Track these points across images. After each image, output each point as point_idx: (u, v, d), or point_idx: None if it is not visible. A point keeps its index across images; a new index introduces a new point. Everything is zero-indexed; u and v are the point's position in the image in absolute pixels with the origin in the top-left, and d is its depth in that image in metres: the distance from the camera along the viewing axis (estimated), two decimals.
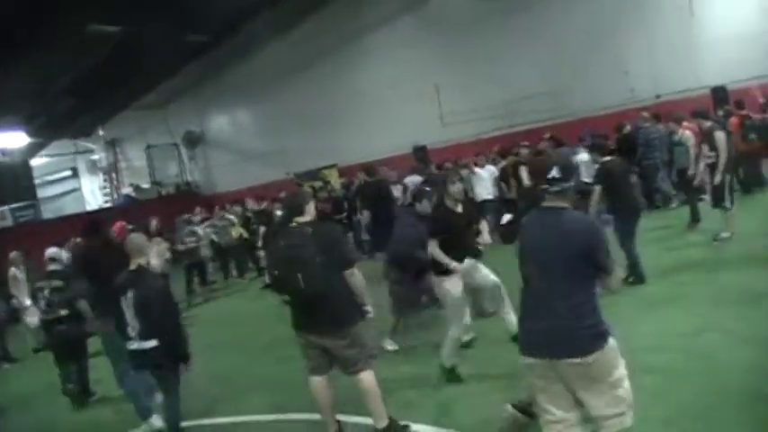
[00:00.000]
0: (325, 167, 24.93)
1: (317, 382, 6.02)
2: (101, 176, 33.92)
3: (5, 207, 27.63)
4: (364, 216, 15.75)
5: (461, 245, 7.02)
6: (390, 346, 8.71)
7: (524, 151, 15.97)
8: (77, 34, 19.32)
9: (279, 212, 14.49)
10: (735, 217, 10.98)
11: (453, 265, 6.83)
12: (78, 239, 15.32)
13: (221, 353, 10.53)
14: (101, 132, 32.31)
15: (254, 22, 22.50)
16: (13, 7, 16.63)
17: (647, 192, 15.65)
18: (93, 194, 34.53)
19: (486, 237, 7.42)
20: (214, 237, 17.90)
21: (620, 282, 4.82)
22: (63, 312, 8.86)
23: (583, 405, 3.97)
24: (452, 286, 6.92)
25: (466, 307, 7.08)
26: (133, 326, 6.17)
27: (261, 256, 16.68)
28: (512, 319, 7.12)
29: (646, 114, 16.04)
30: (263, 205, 18.83)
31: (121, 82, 24.47)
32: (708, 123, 11.78)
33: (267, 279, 13.99)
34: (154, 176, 32.02)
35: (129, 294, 6.16)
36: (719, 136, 11.23)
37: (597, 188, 9.47)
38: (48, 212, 30.90)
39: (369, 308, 6.01)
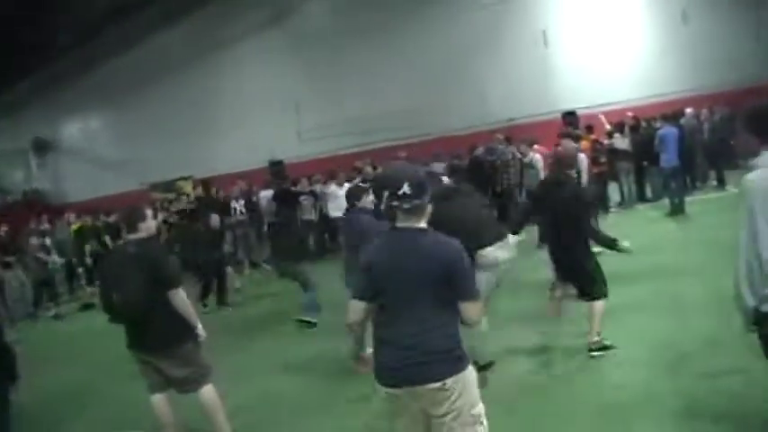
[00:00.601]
0: (181, 179, 24.31)
1: (157, 399, 5.96)
2: None
3: None
4: None
5: None
6: None
7: (368, 169, 16.02)
8: None
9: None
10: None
11: None
12: None
13: (68, 369, 10.27)
14: None
15: (113, 27, 21.84)
16: None
17: (503, 213, 15.90)
18: None
19: None
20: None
21: (482, 312, 4.11)
22: None
23: None
24: None
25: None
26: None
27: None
28: None
29: (500, 136, 16.34)
30: (113, 218, 18.18)
31: None
32: (573, 144, 12.12)
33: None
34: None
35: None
36: (582, 158, 11.58)
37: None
38: None
39: (200, 330, 5.88)
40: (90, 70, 26.40)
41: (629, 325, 7.51)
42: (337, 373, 7.63)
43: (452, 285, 3.63)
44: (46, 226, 17.82)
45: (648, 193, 16.84)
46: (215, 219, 12.96)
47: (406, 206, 3.66)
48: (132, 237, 5.86)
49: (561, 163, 7.69)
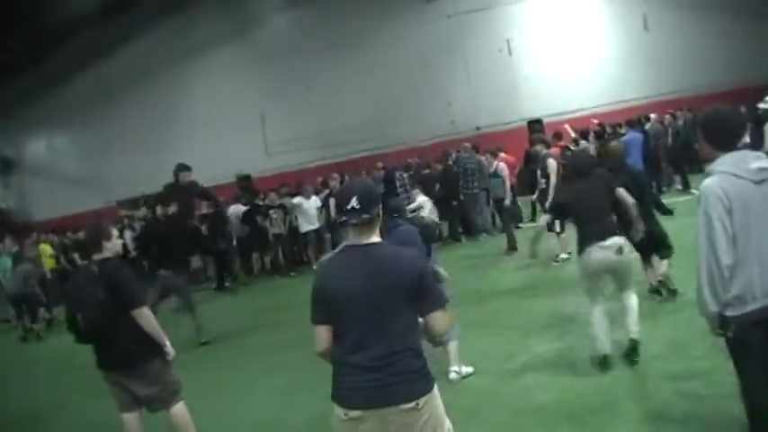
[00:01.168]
0: (148, 195, 24.02)
1: (127, 418, 5.90)
2: None
3: None
4: None
5: None
6: None
7: (333, 183, 16.07)
8: None
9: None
10: (567, 239, 11.32)
11: None
12: None
13: (36, 388, 10.19)
14: None
15: (73, 43, 21.64)
16: None
17: (466, 221, 15.99)
18: None
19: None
20: None
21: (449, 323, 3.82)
22: None
23: None
24: None
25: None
26: None
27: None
28: None
29: (467, 145, 16.41)
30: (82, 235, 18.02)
31: None
32: (544, 150, 12.29)
33: None
34: None
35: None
36: (551, 163, 11.67)
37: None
38: None
39: (168, 348, 5.80)
40: (53, 87, 25.98)
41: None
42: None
43: (418, 298, 3.50)
44: (14, 247, 17.58)
45: None
46: None
47: (353, 221, 3.54)
48: (97, 256, 5.77)
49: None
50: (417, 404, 3.44)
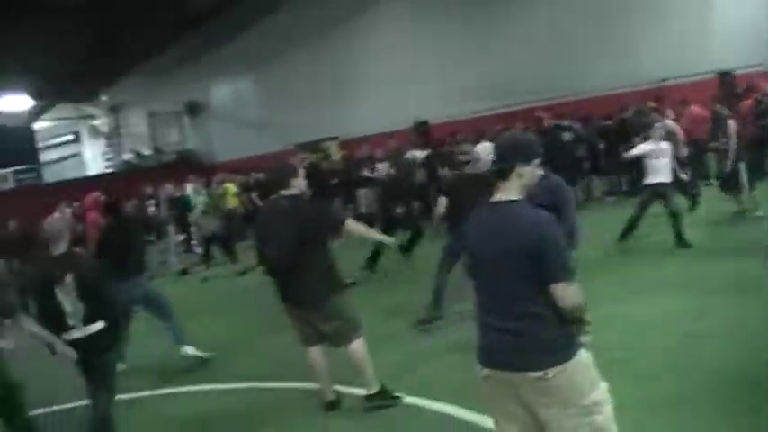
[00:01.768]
0: (326, 140, 24.70)
1: (310, 352, 6.09)
2: (102, 142, 33.80)
3: (8, 170, 27.86)
4: None
5: None
6: None
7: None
8: None
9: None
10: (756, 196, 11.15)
11: None
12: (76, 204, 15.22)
13: (218, 322, 10.51)
14: (103, 98, 32.25)
15: None
16: None
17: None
18: (94, 160, 34.54)
19: None
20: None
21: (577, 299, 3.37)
22: None
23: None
24: None
25: None
26: (74, 312, 5.66)
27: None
28: None
29: (652, 104, 15.76)
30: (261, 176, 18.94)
31: (124, 46, 24.42)
32: (723, 110, 11.85)
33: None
34: (155, 143, 31.88)
35: (68, 279, 5.64)
36: (731, 123, 11.42)
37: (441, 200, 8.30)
38: (49, 176, 31.00)
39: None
40: (237, 35, 27.10)
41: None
42: None
43: (538, 265, 3.29)
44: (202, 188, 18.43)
45: None
46: None
47: (493, 170, 3.46)
48: (284, 192, 5.97)
49: None
50: (546, 374, 3.27)
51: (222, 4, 23.83)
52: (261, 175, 19.73)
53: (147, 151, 31.50)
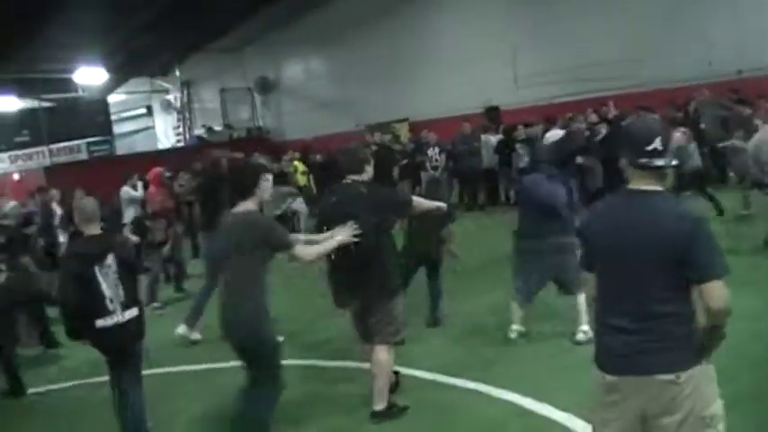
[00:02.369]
0: (396, 121, 24.88)
1: (366, 350, 5.97)
2: (174, 116, 34.39)
3: (82, 141, 28.46)
4: None
5: None
6: None
7: (593, 118, 15.88)
8: None
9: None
10: None
11: None
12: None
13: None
14: (177, 73, 32.68)
15: None
16: None
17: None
18: (165, 134, 35.06)
19: None
20: None
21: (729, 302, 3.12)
22: None
23: None
24: None
25: None
26: (114, 296, 5.47)
27: None
28: None
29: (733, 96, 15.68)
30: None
31: (197, 22, 24.90)
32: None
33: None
34: (226, 119, 32.36)
35: (109, 260, 5.49)
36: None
37: None
38: (121, 148, 31.69)
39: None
40: (310, 13, 27.20)
41: None
42: None
43: (686, 260, 3.09)
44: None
45: None
46: None
47: (657, 163, 3.20)
48: (355, 177, 5.81)
49: None
50: (678, 377, 3.09)
51: None
52: (319, 157, 19.99)
53: (217, 127, 31.91)
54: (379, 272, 5.65)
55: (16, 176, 25.27)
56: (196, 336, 8.91)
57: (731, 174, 14.79)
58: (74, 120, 28.93)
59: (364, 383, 6.12)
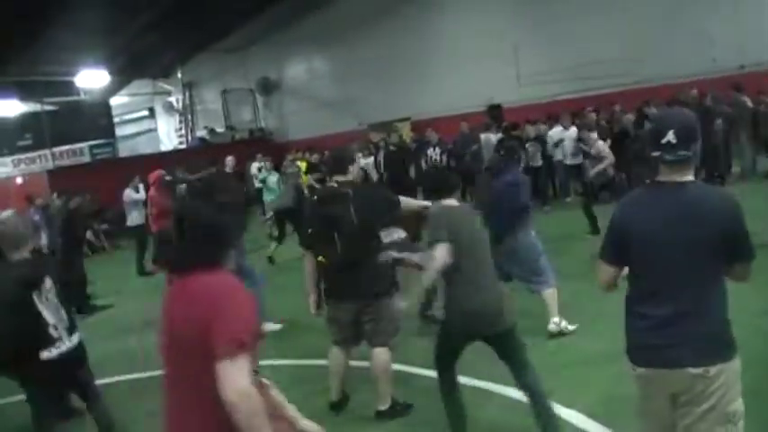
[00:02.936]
0: (399, 120, 24.86)
1: (336, 351, 5.95)
2: (176, 118, 34.41)
3: (85, 144, 28.46)
4: None
5: None
6: None
7: (592, 116, 15.86)
8: None
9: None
10: None
11: None
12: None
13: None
14: (179, 74, 32.73)
15: None
16: None
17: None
18: (167, 136, 35.10)
19: None
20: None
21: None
22: None
23: None
24: None
25: None
26: (57, 322, 4.92)
27: None
28: None
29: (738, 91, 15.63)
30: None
31: (200, 23, 24.90)
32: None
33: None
34: (228, 121, 32.36)
35: (47, 284, 4.91)
36: None
37: None
38: (123, 151, 31.71)
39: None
40: (311, 13, 27.23)
41: None
42: None
43: (730, 246, 3.13)
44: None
45: None
46: None
47: (668, 158, 3.18)
48: (339, 178, 5.77)
49: None
50: (707, 371, 3.09)
51: None
52: (315, 157, 19.97)
53: (220, 128, 31.93)
54: (372, 273, 5.59)
55: (19, 180, 25.24)
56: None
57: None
58: (76, 123, 28.93)
59: (367, 381, 6.09)
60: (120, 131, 33.20)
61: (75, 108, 29.81)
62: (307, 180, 17.48)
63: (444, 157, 17.17)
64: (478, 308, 4.78)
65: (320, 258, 5.67)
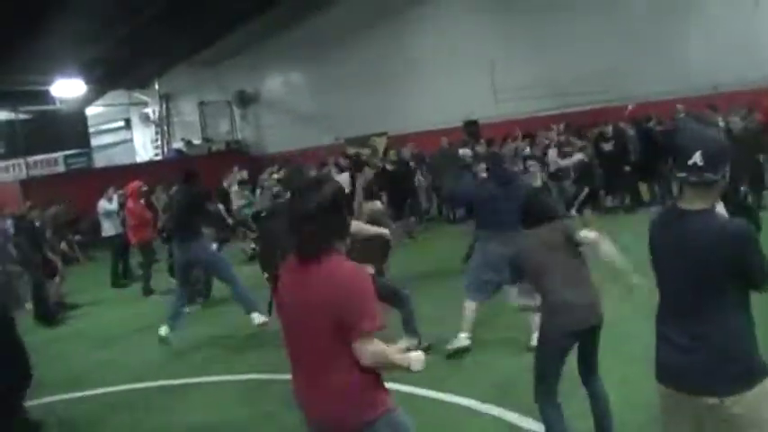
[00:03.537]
0: (376, 135, 24.89)
1: None
2: (153, 129, 34.26)
3: (59, 153, 28.20)
4: None
5: None
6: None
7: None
8: None
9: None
10: None
11: None
12: (121, 191, 15.60)
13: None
14: (156, 85, 32.60)
15: None
16: None
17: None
18: (144, 147, 34.91)
19: None
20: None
21: None
22: None
23: None
24: None
25: None
26: None
27: None
28: None
29: (712, 110, 15.78)
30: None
31: (178, 35, 24.84)
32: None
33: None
34: (205, 133, 32.26)
35: None
36: None
37: None
38: (99, 161, 31.48)
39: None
40: (290, 27, 27.18)
41: None
42: None
43: (742, 274, 3.03)
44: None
45: None
46: None
47: (693, 179, 3.06)
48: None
49: None
50: (722, 402, 3.01)
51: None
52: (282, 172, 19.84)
53: (196, 140, 31.78)
54: None
55: None
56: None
57: None
58: (51, 132, 28.64)
59: None
60: (95, 142, 32.97)
61: (51, 117, 29.62)
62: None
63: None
64: (578, 300, 4.77)
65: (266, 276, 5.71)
